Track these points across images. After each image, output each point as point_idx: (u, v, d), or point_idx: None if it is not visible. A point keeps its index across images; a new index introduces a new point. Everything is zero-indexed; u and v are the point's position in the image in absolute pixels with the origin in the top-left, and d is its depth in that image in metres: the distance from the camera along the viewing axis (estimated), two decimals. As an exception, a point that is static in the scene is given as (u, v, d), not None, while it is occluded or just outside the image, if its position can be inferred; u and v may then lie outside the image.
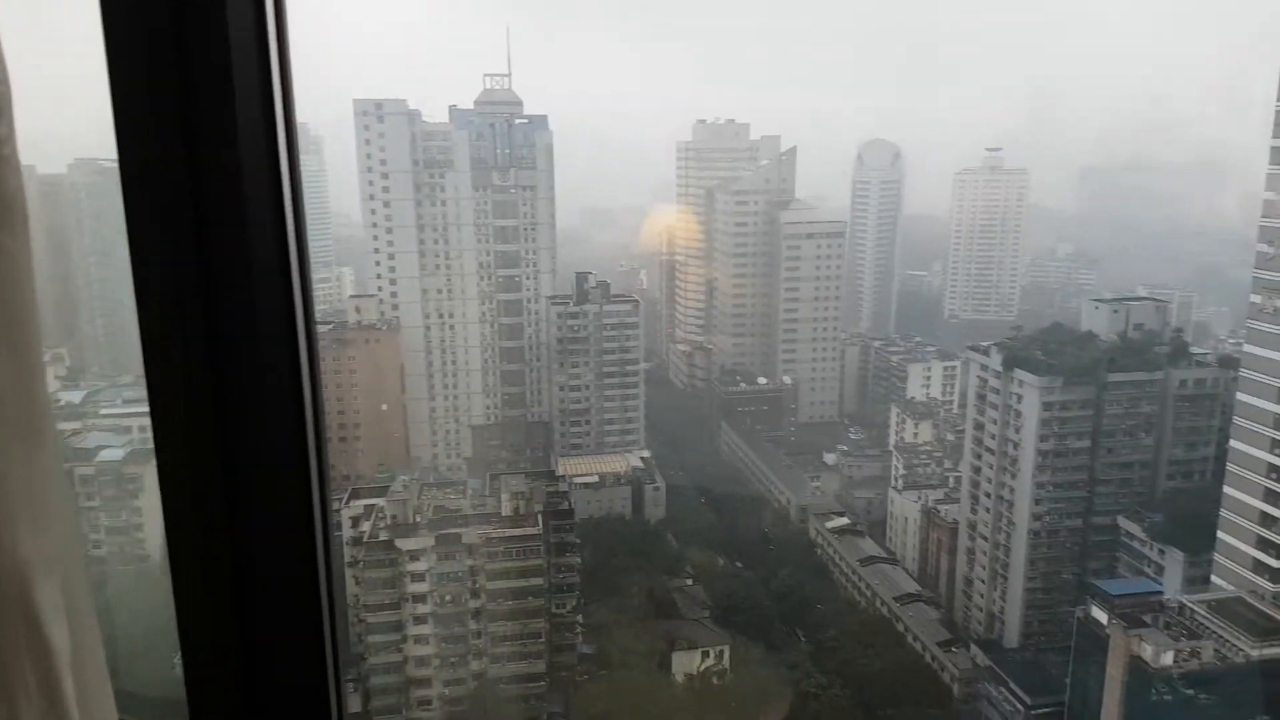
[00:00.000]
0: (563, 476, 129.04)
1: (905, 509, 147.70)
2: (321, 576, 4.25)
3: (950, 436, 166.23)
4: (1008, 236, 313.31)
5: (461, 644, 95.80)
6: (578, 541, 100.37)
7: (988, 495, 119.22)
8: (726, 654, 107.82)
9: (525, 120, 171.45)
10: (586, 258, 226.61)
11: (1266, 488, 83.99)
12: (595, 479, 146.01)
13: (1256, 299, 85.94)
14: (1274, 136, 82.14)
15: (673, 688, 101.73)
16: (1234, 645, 74.62)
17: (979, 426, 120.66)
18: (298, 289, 4.07)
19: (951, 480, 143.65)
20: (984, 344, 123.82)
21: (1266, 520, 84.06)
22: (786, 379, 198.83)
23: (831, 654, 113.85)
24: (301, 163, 4.13)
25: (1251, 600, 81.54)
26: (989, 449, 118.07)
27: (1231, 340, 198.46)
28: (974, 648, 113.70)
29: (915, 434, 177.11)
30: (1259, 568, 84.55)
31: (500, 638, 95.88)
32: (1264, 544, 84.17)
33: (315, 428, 4.18)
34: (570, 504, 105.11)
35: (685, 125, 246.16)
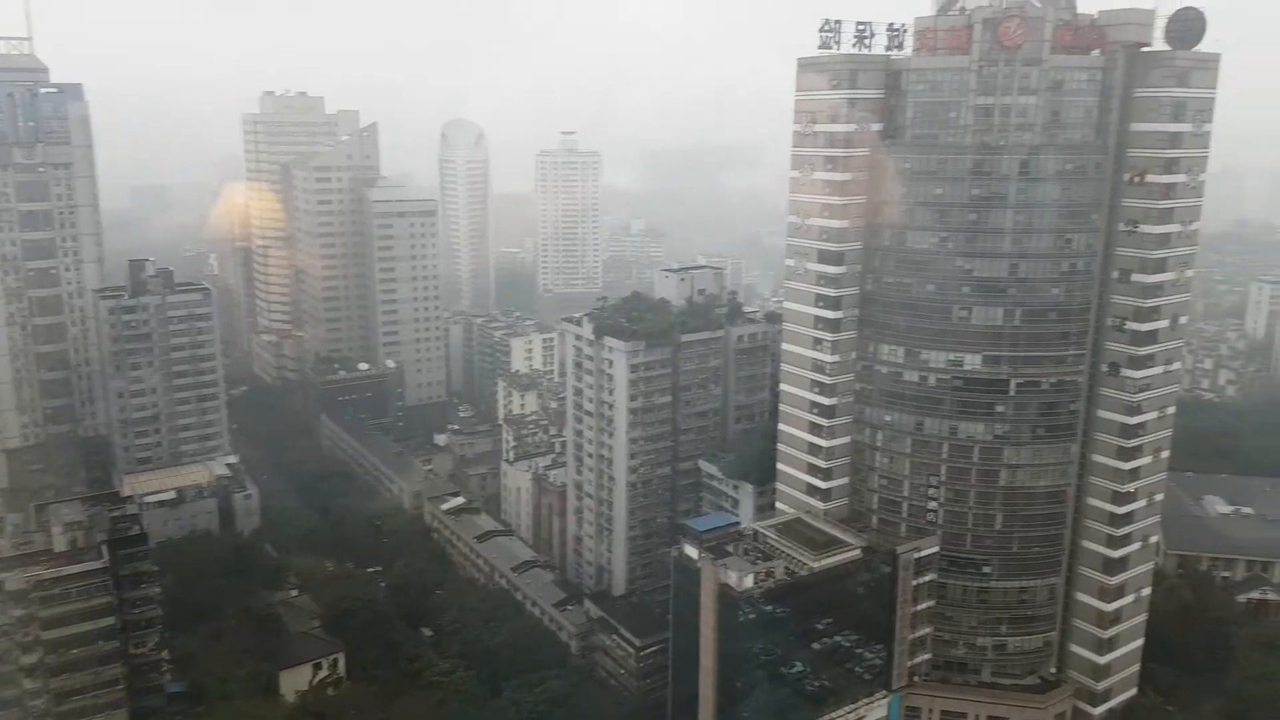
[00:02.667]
0: (130, 497, 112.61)
1: (517, 479, 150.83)
2: None
3: (554, 404, 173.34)
4: (588, 214, 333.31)
5: (16, 709, 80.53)
6: (155, 569, 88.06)
7: (590, 456, 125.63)
8: (341, 662, 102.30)
9: (54, 89, 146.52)
10: (142, 244, 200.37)
11: (810, 421, 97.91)
12: (172, 495, 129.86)
13: (790, 262, 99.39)
14: (795, 123, 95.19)
15: (282, 709, 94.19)
16: (800, 560, 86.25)
17: (578, 392, 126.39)
18: None
19: (558, 445, 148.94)
20: (576, 315, 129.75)
21: (813, 449, 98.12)
22: (390, 362, 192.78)
23: (454, 637, 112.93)
24: None
25: (808, 519, 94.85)
26: (588, 412, 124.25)
27: (774, 299, 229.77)
28: (587, 602, 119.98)
29: (523, 405, 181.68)
30: (811, 490, 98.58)
31: (66, 693, 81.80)
32: (813, 470, 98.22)
33: None
34: (142, 527, 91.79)
35: (251, 96, 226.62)
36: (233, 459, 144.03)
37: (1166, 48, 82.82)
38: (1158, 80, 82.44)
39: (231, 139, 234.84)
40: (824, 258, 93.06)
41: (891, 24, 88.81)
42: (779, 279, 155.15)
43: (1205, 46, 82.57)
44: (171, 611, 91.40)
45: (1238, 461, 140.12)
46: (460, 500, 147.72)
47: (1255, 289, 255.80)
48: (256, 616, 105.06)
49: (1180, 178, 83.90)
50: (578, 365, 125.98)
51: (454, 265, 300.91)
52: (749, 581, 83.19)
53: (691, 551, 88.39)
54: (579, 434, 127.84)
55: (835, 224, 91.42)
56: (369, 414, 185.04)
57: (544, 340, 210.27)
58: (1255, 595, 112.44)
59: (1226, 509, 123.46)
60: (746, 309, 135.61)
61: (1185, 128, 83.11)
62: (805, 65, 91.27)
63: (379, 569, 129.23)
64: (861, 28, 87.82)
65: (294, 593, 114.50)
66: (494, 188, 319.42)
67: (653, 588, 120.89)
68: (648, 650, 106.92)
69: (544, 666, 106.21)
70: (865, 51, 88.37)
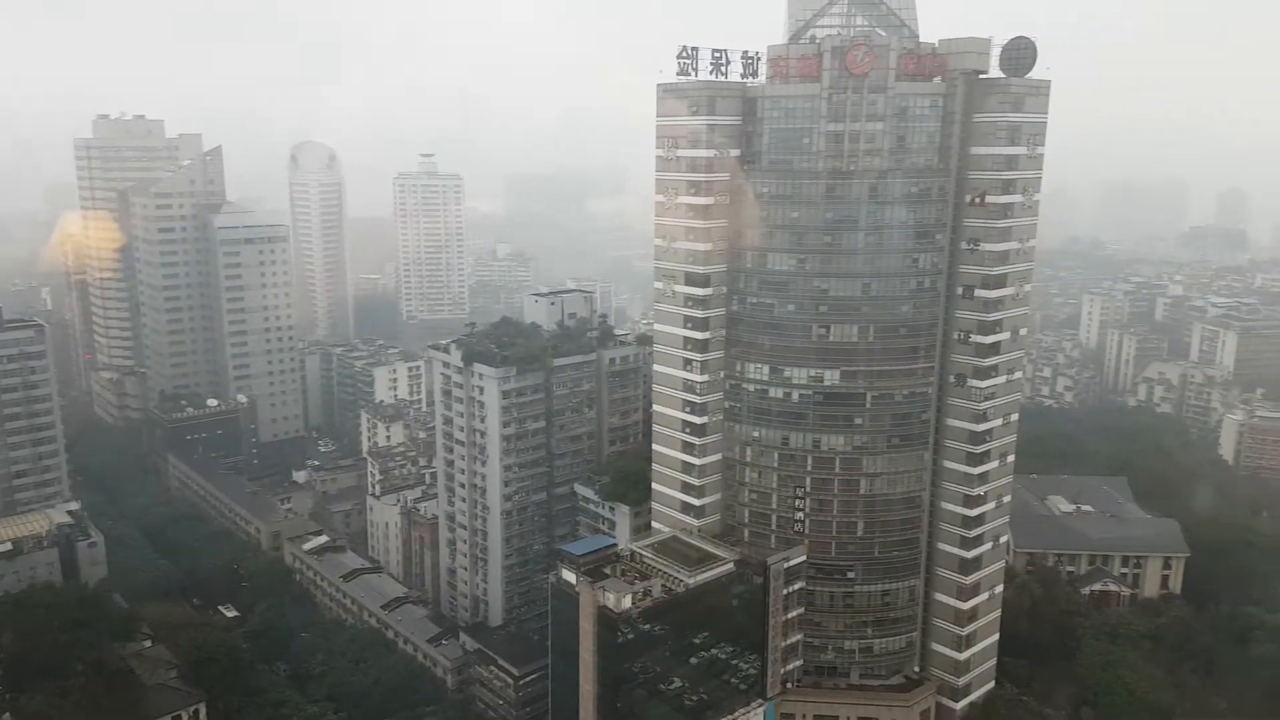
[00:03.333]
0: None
1: (385, 514, 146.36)
2: None
3: (423, 435, 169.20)
4: (452, 239, 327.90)
5: None
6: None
7: (463, 486, 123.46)
8: (203, 712, 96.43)
9: None
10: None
11: (683, 441, 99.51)
12: (8, 546, 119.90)
13: (659, 285, 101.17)
14: (658, 148, 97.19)
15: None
16: (676, 577, 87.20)
17: (448, 421, 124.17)
18: None
19: (428, 477, 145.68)
20: (444, 342, 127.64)
21: (686, 468, 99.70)
22: (241, 397, 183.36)
23: (321, 680, 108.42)
24: None
25: (683, 536, 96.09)
26: (459, 441, 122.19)
27: (644, 321, 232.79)
28: (463, 635, 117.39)
29: (388, 437, 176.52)
30: (685, 508, 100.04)
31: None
32: (686, 488, 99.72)
33: None
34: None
35: (84, 121, 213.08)
36: (74, 505, 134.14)
37: (1002, 75, 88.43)
38: (994, 106, 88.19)
39: (64, 165, 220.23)
40: (691, 280, 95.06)
41: (746, 51, 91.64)
42: (649, 302, 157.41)
43: (1037, 74, 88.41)
44: (12, 671, 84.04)
45: (1077, 462, 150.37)
46: (323, 539, 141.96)
47: (1087, 301, 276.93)
48: (108, 671, 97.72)
49: (1017, 198, 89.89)
50: (447, 393, 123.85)
51: (309, 293, 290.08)
52: (627, 602, 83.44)
53: (569, 576, 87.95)
54: (450, 464, 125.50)
55: (700, 247, 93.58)
56: (221, 452, 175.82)
57: (410, 369, 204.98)
58: (1097, 587, 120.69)
59: (1069, 507, 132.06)
60: (618, 332, 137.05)
61: (1020, 150, 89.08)
62: (665, 91, 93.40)
63: (238, 614, 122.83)
64: (717, 55, 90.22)
65: (147, 643, 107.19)
66: (350, 212, 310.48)
67: (531, 615, 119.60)
68: (527, 679, 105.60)
69: (420, 704, 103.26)
70: (722, 79, 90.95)
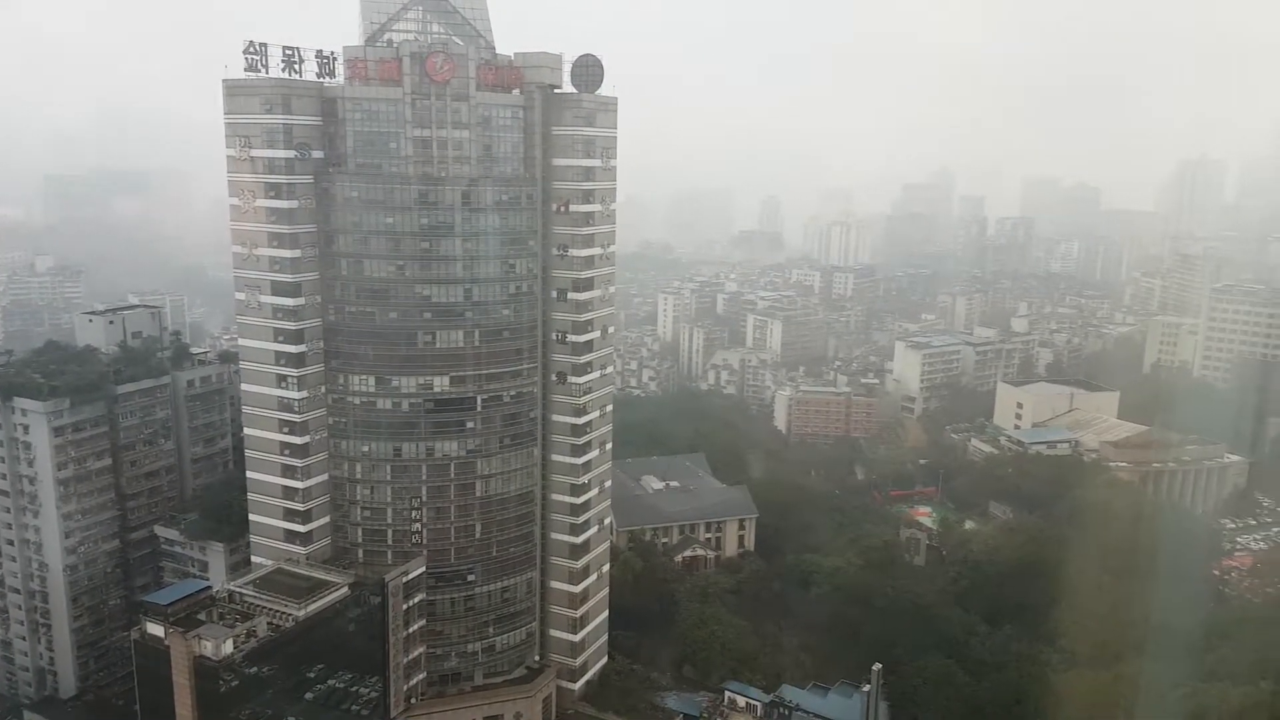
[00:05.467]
0: None
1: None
2: None
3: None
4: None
5: None
6: None
7: (10, 543, 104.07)
8: None
9: None
10: None
11: (283, 464, 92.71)
12: None
13: (241, 296, 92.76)
14: (228, 148, 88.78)
15: None
16: (283, 612, 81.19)
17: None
18: None
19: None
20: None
21: (289, 493, 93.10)
22: None
23: None
24: None
25: (289, 567, 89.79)
26: (1, 491, 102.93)
27: (226, 337, 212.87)
28: (26, 715, 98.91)
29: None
30: (290, 536, 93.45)
31: None
32: (290, 514, 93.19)
33: None
34: None
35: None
36: None
37: (574, 90, 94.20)
38: (570, 120, 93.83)
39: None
40: (278, 289, 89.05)
41: (320, 51, 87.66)
42: (230, 315, 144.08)
43: (606, 90, 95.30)
44: None
45: (663, 444, 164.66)
46: None
47: (662, 299, 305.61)
48: None
49: (596, 207, 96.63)
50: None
51: None
52: (228, 647, 76.36)
53: (156, 629, 78.31)
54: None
55: (286, 254, 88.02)
56: None
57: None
58: (688, 554, 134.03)
59: (659, 485, 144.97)
60: (195, 350, 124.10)
61: (595, 163, 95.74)
62: (233, 88, 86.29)
63: None
64: (289, 52, 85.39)
65: None
66: None
67: (112, 679, 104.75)
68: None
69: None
70: (296, 77, 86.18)
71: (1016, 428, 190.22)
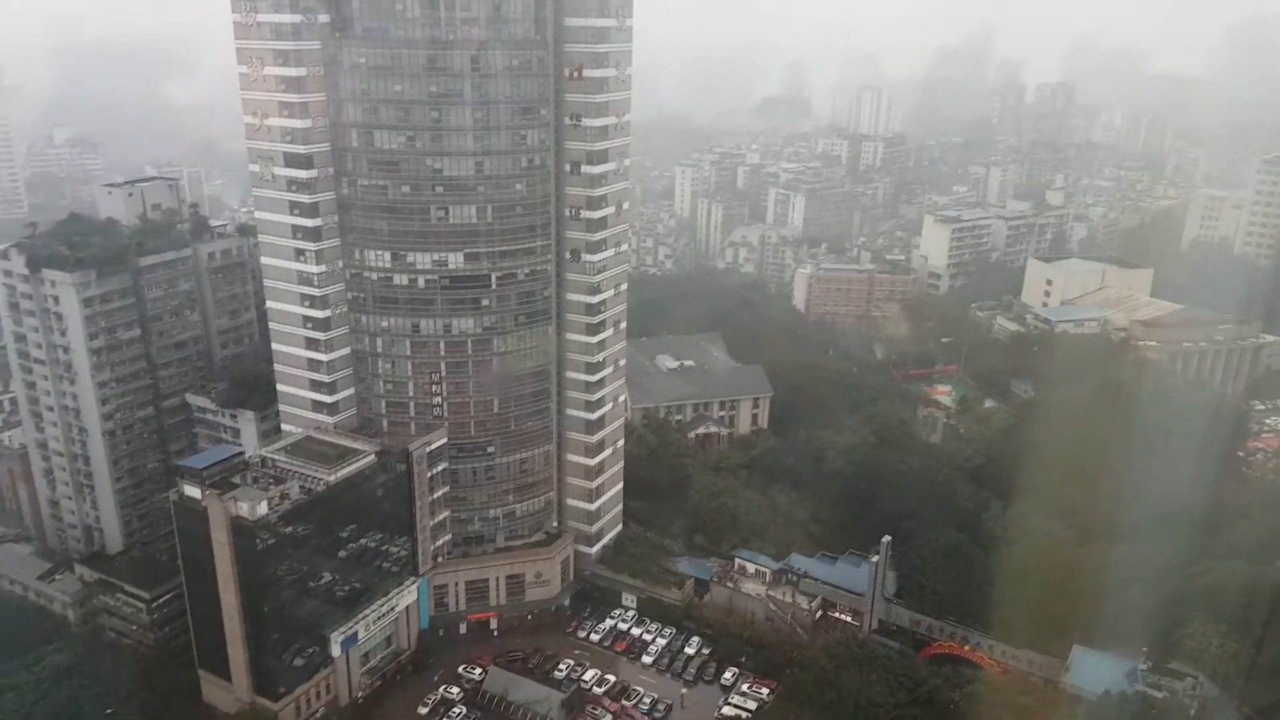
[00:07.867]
0: None
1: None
2: None
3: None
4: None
5: None
6: None
7: (51, 409, 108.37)
8: None
9: None
10: None
11: (306, 337, 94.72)
12: None
13: (255, 168, 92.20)
14: (234, 12, 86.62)
15: None
16: (315, 477, 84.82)
17: (20, 338, 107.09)
18: None
19: (6, 404, 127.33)
20: (0, 246, 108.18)
21: (313, 365, 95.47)
22: None
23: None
24: None
25: (318, 435, 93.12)
26: (38, 360, 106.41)
27: (244, 210, 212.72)
28: (78, 567, 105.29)
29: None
30: (317, 406, 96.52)
31: None
32: (316, 385, 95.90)
33: None
34: None
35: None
36: None
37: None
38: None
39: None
40: (291, 161, 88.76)
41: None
42: (246, 188, 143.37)
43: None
44: None
45: (679, 323, 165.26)
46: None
47: (679, 173, 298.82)
48: None
49: (611, 72, 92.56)
50: (14, 306, 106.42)
51: None
52: (263, 508, 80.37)
53: (194, 491, 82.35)
54: (31, 386, 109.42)
55: (298, 124, 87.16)
56: None
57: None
58: (701, 430, 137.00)
59: (674, 364, 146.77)
60: (214, 223, 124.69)
61: (611, 22, 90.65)
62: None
63: None
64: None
65: None
66: None
67: (155, 537, 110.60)
68: (160, 600, 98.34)
69: (39, 644, 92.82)
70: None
71: (1045, 305, 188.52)
